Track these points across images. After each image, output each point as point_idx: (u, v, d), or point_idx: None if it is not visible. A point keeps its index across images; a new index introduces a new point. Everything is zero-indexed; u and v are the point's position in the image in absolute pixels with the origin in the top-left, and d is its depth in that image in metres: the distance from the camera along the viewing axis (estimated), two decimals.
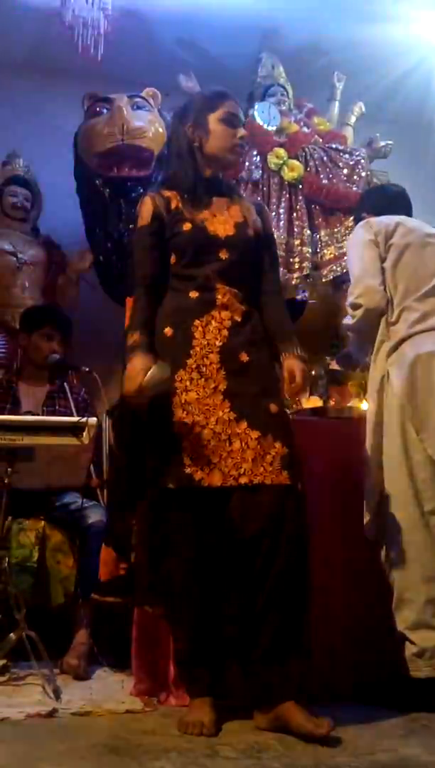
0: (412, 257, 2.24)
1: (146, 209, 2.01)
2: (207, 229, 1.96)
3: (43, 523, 2.54)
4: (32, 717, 1.80)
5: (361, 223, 2.34)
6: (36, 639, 2.00)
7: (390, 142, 3.67)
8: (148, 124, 3.42)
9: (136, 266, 2.02)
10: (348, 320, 2.31)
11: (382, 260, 2.25)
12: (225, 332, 1.90)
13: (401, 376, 2.12)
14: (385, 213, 2.38)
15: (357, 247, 2.29)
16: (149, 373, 1.78)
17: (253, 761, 1.53)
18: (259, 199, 3.02)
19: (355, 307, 2.24)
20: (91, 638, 2.35)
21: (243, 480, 1.79)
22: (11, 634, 2.01)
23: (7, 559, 2.08)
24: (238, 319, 1.92)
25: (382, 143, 3.67)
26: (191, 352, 1.88)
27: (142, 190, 3.31)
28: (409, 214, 2.44)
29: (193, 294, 1.93)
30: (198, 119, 2.03)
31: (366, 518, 2.15)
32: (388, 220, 2.30)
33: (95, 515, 2.50)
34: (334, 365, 2.60)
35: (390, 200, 2.48)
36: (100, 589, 1.95)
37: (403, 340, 2.17)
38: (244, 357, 1.89)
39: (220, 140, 2.00)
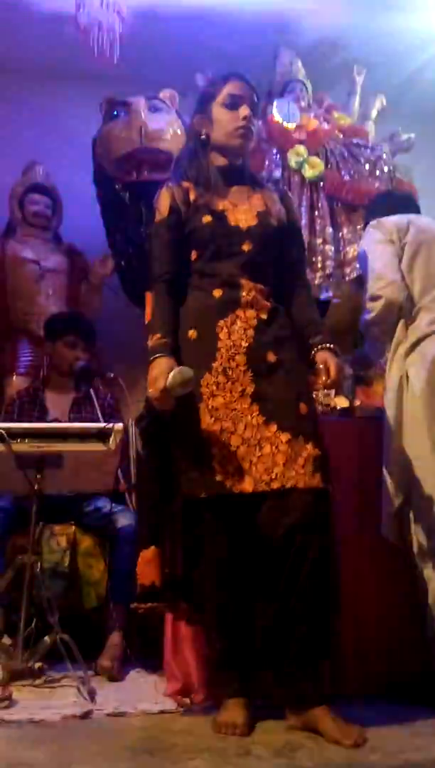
0: (427, 255, 2.24)
1: (163, 202, 1.97)
2: (228, 220, 1.92)
3: (73, 528, 2.57)
4: (67, 718, 1.83)
5: (372, 224, 2.35)
6: (70, 642, 2.02)
7: (412, 135, 3.63)
8: (166, 126, 3.40)
9: (154, 261, 1.98)
10: (366, 315, 2.28)
11: (398, 259, 2.25)
12: (251, 332, 1.86)
13: (421, 376, 2.11)
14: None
15: (373, 245, 2.29)
16: (171, 375, 1.74)
17: (286, 760, 1.53)
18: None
19: (376, 298, 2.22)
20: (124, 640, 2.38)
21: (275, 485, 1.76)
22: (45, 638, 2.04)
23: (39, 564, 2.10)
24: (264, 317, 1.88)
25: (405, 136, 3.62)
26: (217, 354, 1.84)
27: None
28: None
29: (217, 293, 1.89)
30: (203, 110, 2.00)
31: (385, 521, 2.14)
32: (400, 219, 2.31)
33: (125, 519, 2.52)
34: (349, 369, 2.61)
35: (397, 204, 2.48)
36: (140, 597, 1.91)
37: (421, 340, 2.16)
38: (272, 357, 1.85)
39: (223, 127, 1.96)
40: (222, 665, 1.85)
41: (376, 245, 2.27)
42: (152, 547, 1.90)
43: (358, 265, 2.80)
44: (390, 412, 2.17)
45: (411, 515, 2.11)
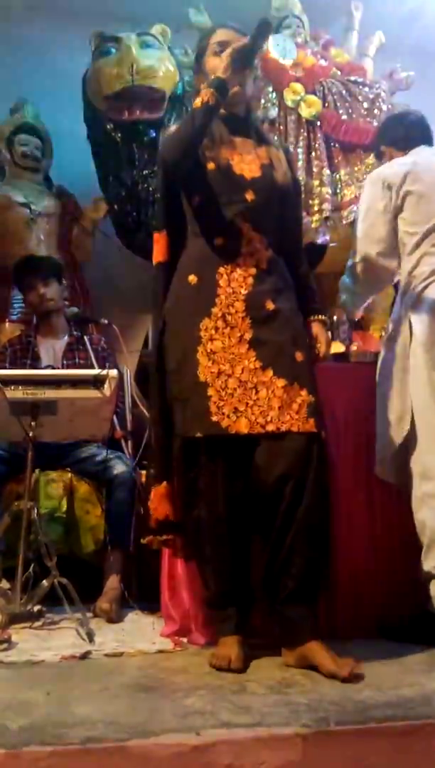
0: (427, 203, 2.18)
1: None
2: (232, 169, 1.92)
3: (69, 474, 2.59)
4: (67, 659, 1.86)
5: (370, 177, 2.31)
6: (68, 585, 2.05)
7: (411, 72, 3.52)
8: (158, 62, 3.30)
9: (157, 212, 2.03)
10: (348, 276, 2.31)
11: (397, 209, 2.20)
12: (250, 280, 1.88)
13: (424, 322, 2.09)
14: (403, 144, 2.33)
15: (363, 204, 2.27)
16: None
17: (280, 697, 1.55)
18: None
19: (354, 276, 2.26)
20: (122, 583, 2.42)
21: (270, 427, 1.81)
22: (44, 581, 2.07)
23: (36, 510, 2.11)
24: (264, 266, 1.91)
25: (404, 74, 3.52)
26: (216, 300, 1.87)
27: (154, 134, 3.23)
28: (428, 142, 2.37)
29: (218, 240, 1.91)
30: (199, 67, 2.02)
31: (379, 461, 2.14)
32: (398, 168, 2.25)
33: (120, 466, 2.54)
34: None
35: (407, 130, 2.39)
36: (155, 530, 1.95)
37: (425, 287, 2.13)
38: (270, 305, 1.88)
39: (213, 75, 1.91)
40: (217, 603, 1.88)
41: (366, 203, 2.25)
42: (164, 483, 1.93)
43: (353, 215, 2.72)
44: (386, 358, 2.15)
45: (410, 460, 2.11)
